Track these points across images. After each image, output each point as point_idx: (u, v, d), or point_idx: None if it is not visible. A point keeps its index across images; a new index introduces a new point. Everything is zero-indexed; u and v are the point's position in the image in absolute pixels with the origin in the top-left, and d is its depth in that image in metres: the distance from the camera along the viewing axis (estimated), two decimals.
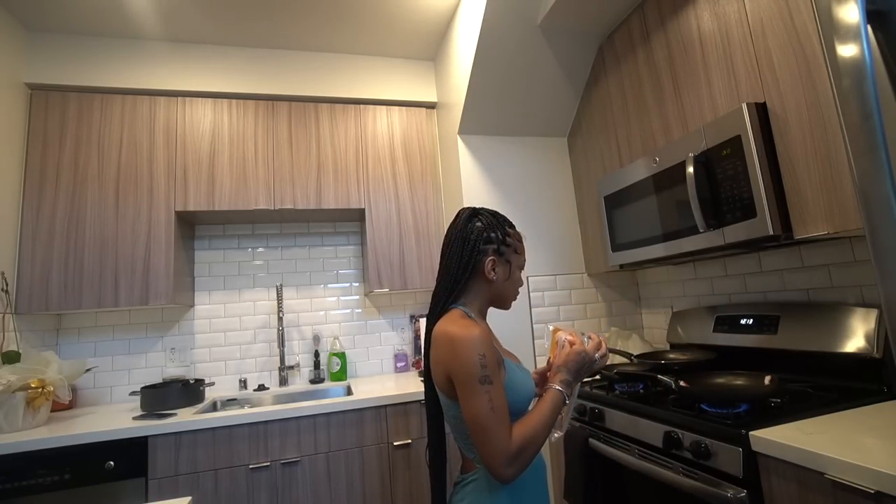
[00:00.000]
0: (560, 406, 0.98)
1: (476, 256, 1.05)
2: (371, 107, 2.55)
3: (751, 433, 1.06)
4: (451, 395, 0.98)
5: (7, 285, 1.94)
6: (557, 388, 1.00)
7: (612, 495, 1.53)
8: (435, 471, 1.08)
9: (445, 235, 1.10)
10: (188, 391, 2.02)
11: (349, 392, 2.25)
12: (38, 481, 1.59)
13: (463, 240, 1.06)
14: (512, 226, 1.13)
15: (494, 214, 1.11)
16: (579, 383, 1.06)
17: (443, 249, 1.10)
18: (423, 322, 2.39)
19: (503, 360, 1.00)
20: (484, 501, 0.96)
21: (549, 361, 1.12)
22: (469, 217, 1.08)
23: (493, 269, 1.05)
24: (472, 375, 0.90)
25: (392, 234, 2.43)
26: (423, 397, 1.96)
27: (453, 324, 0.97)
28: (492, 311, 1.30)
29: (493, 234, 1.06)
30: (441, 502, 1.07)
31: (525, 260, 1.14)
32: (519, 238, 1.13)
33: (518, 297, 1.15)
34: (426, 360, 1.07)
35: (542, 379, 1.15)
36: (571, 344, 1.05)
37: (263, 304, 2.52)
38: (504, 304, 1.13)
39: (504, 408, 0.91)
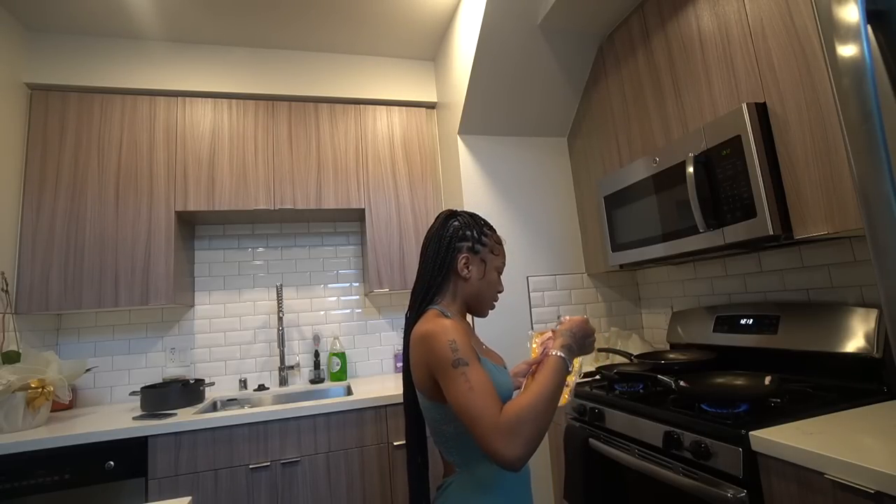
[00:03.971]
0: (562, 373, 0.91)
1: (451, 254, 1.05)
2: (371, 107, 2.55)
3: (751, 433, 1.06)
4: (431, 397, 0.97)
5: (7, 285, 1.94)
6: (559, 353, 0.93)
7: (612, 495, 1.53)
8: (414, 475, 1.06)
9: (424, 237, 1.12)
10: (188, 391, 2.02)
11: (349, 392, 2.25)
12: (38, 481, 1.59)
13: (439, 238, 1.07)
14: (490, 227, 1.13)
15: (472, 215, 1.12)
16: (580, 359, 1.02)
17: (421, 250, 1.11)
18: None
19: (478, 354, 0.97)
20: (462, 497, 0.94)
21: (531, 367, 1.12)
22: (446, 217, 1.10)
23: (467, 267, 1.06)
24: (445, 361, 0.88)
25: (392, 234, 2.43)
26: None
27: (427, 322, 0.97)
28: (491, 313, 1.30)
29: (468, 233, 1.07)
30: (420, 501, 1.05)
31: (504, 263, 1.13)
32: (498, 241, 1.12)
33: (496, 304, 1.13)
34: (405, 363, 1.06)
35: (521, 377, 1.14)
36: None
37: (263, 304, 2.52)
38: (481, 307, 1.10)
39: (485, 384, 0.85)
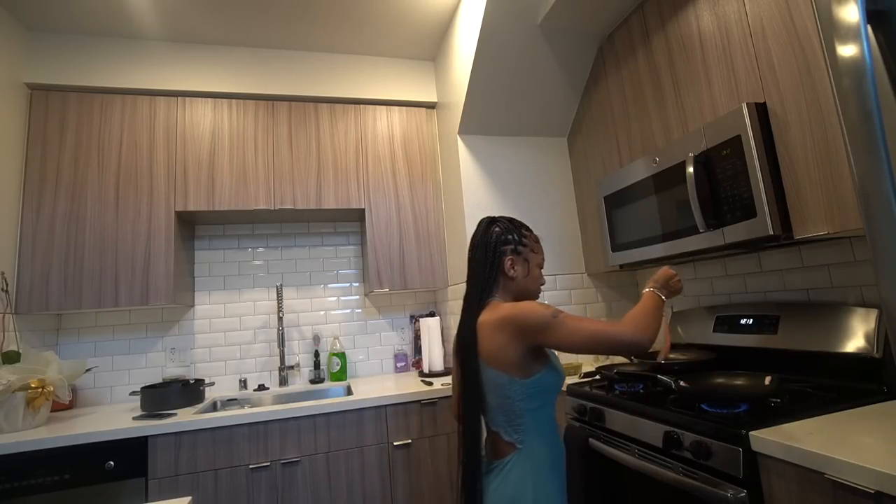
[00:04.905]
0: (653, 299, 1.13)
1: (497, 257, 1.20)
2: (371, 107, 2.55)
3: (751, 433, 1.06)
4: (513, 373, 1.08)
5: (7, 285, 1.94)
6: (648, 287, 1.17)
7: (612, 495, 1.53)
8: (470, 452, 1.12)
9: (470, 243, 1.26)
10: (188, 391, 2.02)
11: (349, 392, 2.25)
12: (38, 481, 1.59)
13: (485, 244, 1.21)
14: (528, 229, 1.27)
15: (511, 220, 1.26)
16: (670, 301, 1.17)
17: (469, 256, 1.25)
18: (423, 322, 2.40)
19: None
20: (526, 474, 1.06)
21: None
22: (488, 224, 1.24)
23: (513, 267, 1.20)
24: (545, 318, 1.05)
25: (392, 234, 2.43)
26: (422, 397, 1.96)
27: (501, 308, 1.11)
28: None
29: (510, 237, 1.21)
30: (475, 485, 1.10)
31: (543, 259, 1.28)
32: (535, 240, 1.27)
33: (541, 294, 1.30)
34: (470, 353, 1.13)
35: None
36: None
37: (263, 304, 2.52)
38: (529, 300, 1.23)
39: (582, 316, 1.07)
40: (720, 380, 1.44)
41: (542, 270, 1.30)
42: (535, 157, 2.37)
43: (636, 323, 1.06)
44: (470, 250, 1.25)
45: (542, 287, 1.27)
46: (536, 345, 1.08)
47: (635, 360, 1.83)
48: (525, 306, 1.08)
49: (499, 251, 1.19)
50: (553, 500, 1.08)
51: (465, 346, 1.15)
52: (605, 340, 1.03)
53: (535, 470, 1.07)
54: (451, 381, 2.11)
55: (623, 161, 1.97)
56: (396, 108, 2.59)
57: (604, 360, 2.17)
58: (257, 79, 2.39)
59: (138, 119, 2.23)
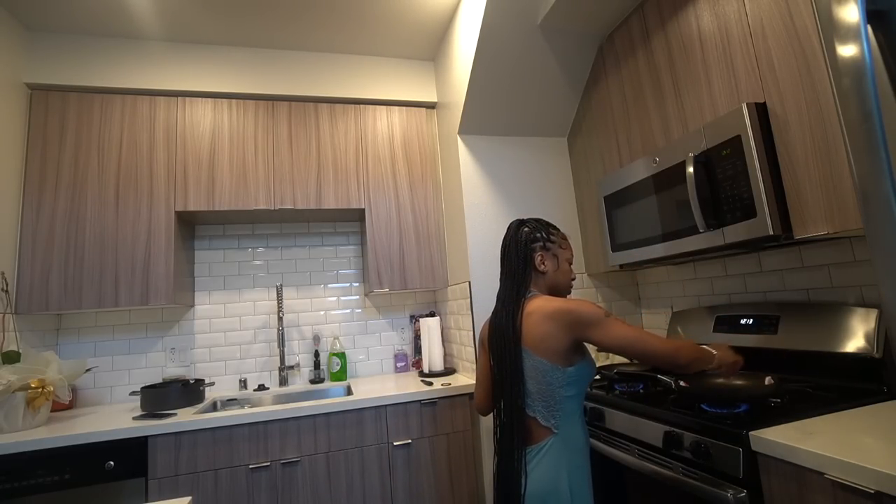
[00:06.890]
0: (707, 354, 1.18)
1: (529, 254, 1.29)
2: (371, 107, 2.55)
3: (751, 433, 1.06)
4: (556, 360, 1.15)
5: (7, 285, 1.94)
6: (714, 351, 1.21)
7: (612, 495, 1.53)
8: (508, 442, 1.17)
9: (502, 245, 1.35)
10: (188, 391, 2.02)
11: (349, 392, 2.25)
12: (38, 481, 1.59)
13: (516, 243, 1.31)
14: (555, 227, 1.36)
15: (538, 220, 1.35)
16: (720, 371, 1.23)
17: (501, 256, 1.34)
18: (423, 322, 2.40)
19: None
20: (562, 457, 1.14)
21: None
22: (518, 225, 1.34)
23: (543, 262, 1.29)
24: (598, 315, 1.14)
25: (392, 234, 2.43)
26: (422, 397, 1.96)
27: (553, 301, 1.19)
28: None
29: (538, 234, 1.31)
30: (513, 468, 1.15)
31: (572, 255, 1.36)
32: (563, 237, 1.36)
33: (572, 288, 1.39)
34: (511, 342, 1.20)
35: None
36: None
37: (263, 304, 2.52)
38: (560, 294, 1.33)
39: (634, 325, 1.16)
40: (720, 380, 1.44)
41: (572, 266, 1.38)
42: (534, 156, 2.37)
43: (678, 347, 1.14)
44: (502, 250, 1.34)
45: (572, 281, 1.35)
46: (583, 339, 1.16)
47: (635, 360, 1.83)
48: (580, 302, 1.17)
49: (529, 248, 1.29)
50: (584, 481, 1.16)
51: (504, 335, 1.22)
52: (644, 348, 1.12)
53: (568, 453, 1.15)
54: (450, 382, 2.11)
55: (623, 161, 1.97)
56: (396, 108, 2.59)
57: (604, 360, 2.17)
58: (257, 79, 2.39)
59: (138, 119, 2.23)
